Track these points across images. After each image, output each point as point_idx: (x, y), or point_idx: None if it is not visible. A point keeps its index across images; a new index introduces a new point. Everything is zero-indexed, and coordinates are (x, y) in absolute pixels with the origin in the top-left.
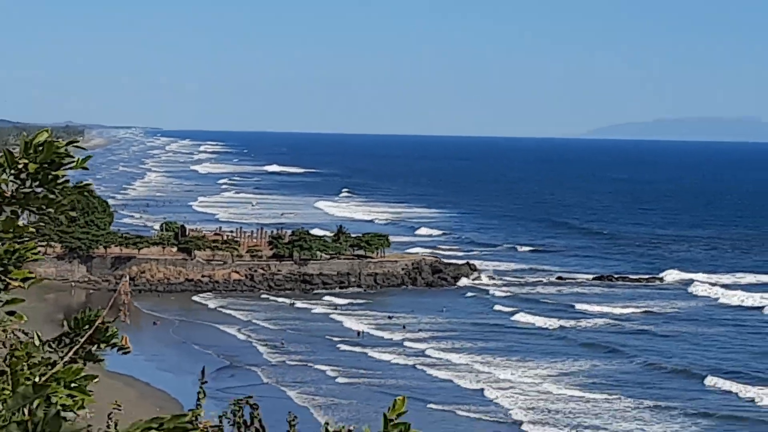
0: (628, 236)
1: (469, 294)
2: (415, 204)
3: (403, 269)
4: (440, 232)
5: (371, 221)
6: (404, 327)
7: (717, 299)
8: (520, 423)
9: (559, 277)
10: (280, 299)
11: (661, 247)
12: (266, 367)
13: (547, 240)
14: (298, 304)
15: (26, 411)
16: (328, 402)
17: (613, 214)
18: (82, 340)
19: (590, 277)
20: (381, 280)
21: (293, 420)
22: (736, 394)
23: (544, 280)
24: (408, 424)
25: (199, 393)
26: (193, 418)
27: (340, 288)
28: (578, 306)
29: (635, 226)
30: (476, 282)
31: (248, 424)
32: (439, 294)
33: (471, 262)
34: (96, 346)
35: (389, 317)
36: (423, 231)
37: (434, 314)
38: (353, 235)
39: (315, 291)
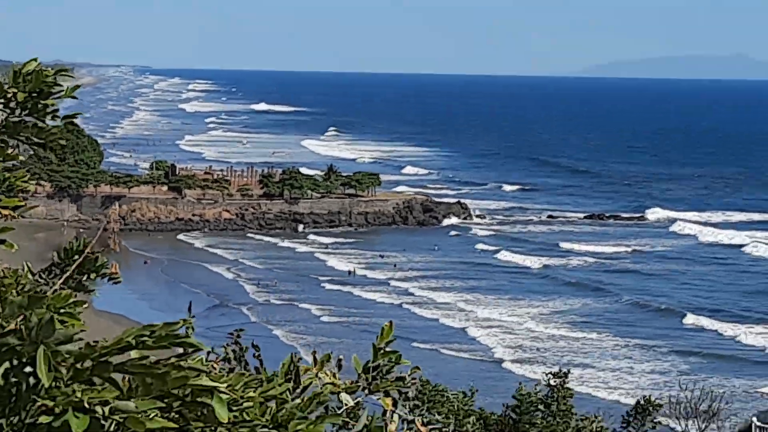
0: (616, 175)
1: (456, 233)
2: (403, 143)
3: (393, 208)
4: (428, 171)
5: (353, 160)
6: (395, 266)
7: (704, 238)
8: (503, 361)
9: (550, 216)
10: (267, 238)
11: (650, 185)
12: (254, 306)
13: (536, 179)
14: (286, 243)
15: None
16: (315, 341)
17: (602, 153)
18: (72, 268)
19: (580, 215)
20: (372, 218)
21: (298, 360)
22: (717, 331)
23: (535, 219)
24: (399, 353)
25: (187, 328)
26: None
27: (330, 227)
28: (564, 245)
29: (624, 165)
30: (466, 221)
31: (240, 357)
32: (429, 233)
33: (462, 201)
34: (86, 276)
35: (381, 256)
36: (411, 170)
37: (423, 253)
38: (344, 174)
39: (302, 231)
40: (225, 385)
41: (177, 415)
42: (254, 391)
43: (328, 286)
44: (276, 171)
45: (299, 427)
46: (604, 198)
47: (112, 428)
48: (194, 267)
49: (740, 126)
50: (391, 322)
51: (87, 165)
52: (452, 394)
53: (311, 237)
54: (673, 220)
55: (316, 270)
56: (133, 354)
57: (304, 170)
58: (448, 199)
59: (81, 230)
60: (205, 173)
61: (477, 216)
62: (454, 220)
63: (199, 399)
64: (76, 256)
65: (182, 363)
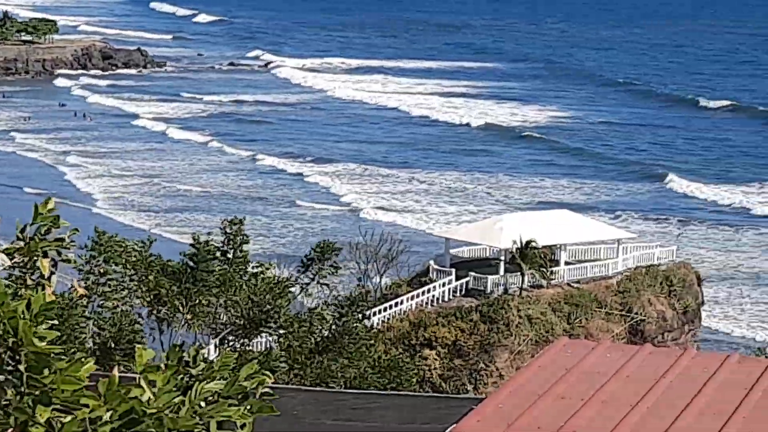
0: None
1: (70, 83)
2: None
3: (72, 55)
4: (88, 18)
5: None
6: (84, 115)
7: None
8: (95, 206)
9: (231, 63)
10: None
11: (279, 34)
12: None
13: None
14: None
15: None
16: None
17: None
18: None
19: (225, 63)
20: (50, 66)
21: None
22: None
23: (216, 66)
24: (58, 215)
25: None
26: None
27: (7, 75)
28: (186, 94)
29: (257, 12)
30: (146, 70)
31: None
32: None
33: (142, 48)
34: None
35: (61, 104)
36: (87, 17)
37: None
38: (19, 20)
39: None
40: None
41: None
42: None
43: None
44: None
45: None
46: (233, 46)
47: None
48: None
49: None
50: (50, 198)
51: None
52: (129, 244)
53: None
54: (276, 65)
55: None
56: None
57: None
58: (128, 46)
59: None
60: None
61: (158, 64)
62: (64, 71)
63: None
64: None
65: None
